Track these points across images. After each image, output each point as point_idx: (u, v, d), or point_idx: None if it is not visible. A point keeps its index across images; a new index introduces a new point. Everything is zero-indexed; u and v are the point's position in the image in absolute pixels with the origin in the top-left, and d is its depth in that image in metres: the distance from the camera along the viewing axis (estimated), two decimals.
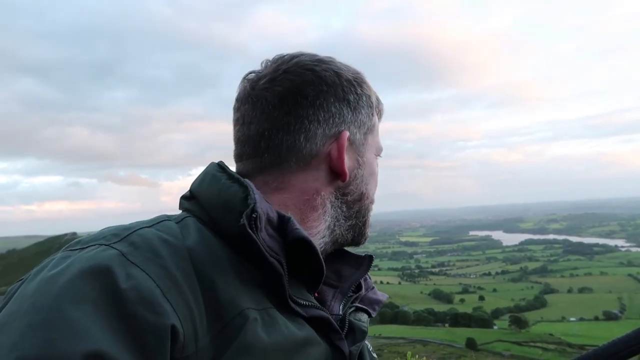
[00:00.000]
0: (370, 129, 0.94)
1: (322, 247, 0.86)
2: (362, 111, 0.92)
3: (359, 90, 0.92)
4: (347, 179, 0.89)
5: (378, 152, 0.98)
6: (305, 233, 0.79)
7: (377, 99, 0.97)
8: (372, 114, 0.95)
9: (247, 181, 0.79)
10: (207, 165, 0.88)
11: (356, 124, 0.92)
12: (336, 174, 0.87)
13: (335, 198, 0.89)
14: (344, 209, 0.90)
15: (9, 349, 0.55)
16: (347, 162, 0.89)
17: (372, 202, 0.96)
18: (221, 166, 0.85)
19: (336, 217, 0.89)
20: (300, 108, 0.86)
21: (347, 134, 0.88)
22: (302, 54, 0.90)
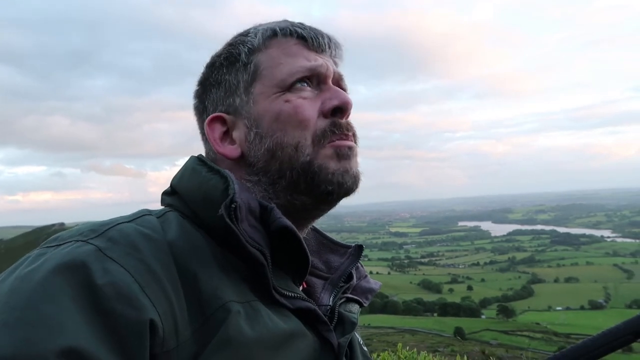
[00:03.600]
0: (252, 78, 0.86)
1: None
2: (225, 77, 0.88)
3: (217, 63, 0.90)
4: (240, 154, 0.86)
5: (283, 83, 0.84)
6: (288, 221, 0.77)
7: (256, 32, 0.88)
8: (239, 67, 0.87)
9: (227, 172, 0.78)
10: (187, 159, 0.87)
11: (228, 93, 0.88)
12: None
13: (249, 174, 0.85)
14: (263, 178, 0.84)
15: None
16: (238, 135, 0.86)
17: (295, 146, 0.82)
18: (201, 159, 0.84)
19: (264, 189, 0.84)
20: (198, 120, 0.93)
21: (209, 119, 0.88)
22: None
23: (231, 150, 0.86)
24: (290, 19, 0.91)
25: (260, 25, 0.90)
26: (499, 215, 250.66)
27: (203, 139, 0.91)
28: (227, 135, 0.87)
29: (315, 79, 0.86)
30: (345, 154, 0.84)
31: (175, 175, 0.86)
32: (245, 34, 0.89)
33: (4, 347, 0.54)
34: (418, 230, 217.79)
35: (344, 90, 0.90)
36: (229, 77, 0.87)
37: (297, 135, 0.82)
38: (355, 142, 0.87)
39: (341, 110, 0.85)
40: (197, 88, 0.93)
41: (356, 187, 0.85)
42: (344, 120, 0.86)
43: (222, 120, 0.87)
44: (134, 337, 0.59)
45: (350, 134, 0.86)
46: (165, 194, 0.87)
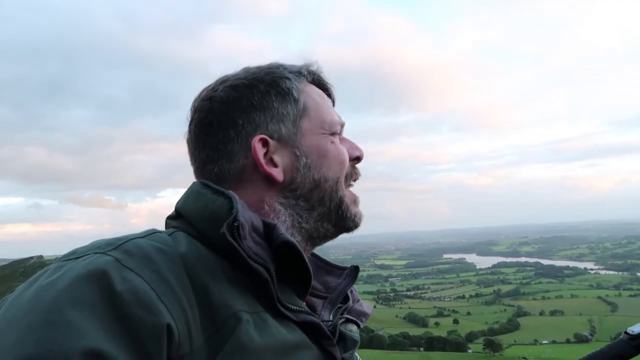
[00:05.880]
0: (301, 114, 0.93)
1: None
2: (274, 104, 0.92)
3: (261, 88, 0.92)
4: (284, 178, 0.90)
5: (329, 127, 0.95)
6: (290, 237, 0.81)
7: (299, 73, 0.96)
8: (290, 101, 0.93)
9: (231, 192, 0.82)
10: (190, 185, 0.91)
11: (274, 120, 0.92)
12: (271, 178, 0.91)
13: (285, 198, 0.90)
14: (302, 203, 0.91)
15: (8, 349, 0.57)
16: (281, 160, 0.91)
17: (335, 181, 0.93)
18: (205, 183, 0.88)
19: (297, 213, 0.90)
20: (210, 137, 0.92)
21: (257, 138, 0.90)
22: (216, 83, 0.96)
23: (277, 172, 0.90)
24: (312, 61, 1.00)
25: (265, 72, 0.95)
26: (484, 247, 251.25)
27: (216, 154, 0.91)
28: (265, 156, 0.91)
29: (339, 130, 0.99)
30: (358, 202, 0.99)
31: (180, 200, 0.90)
32: (284, 67, 0.96)
33: (29, 346, 0.57)
34: (403, 262, 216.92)
35: None
36: (278, 106, 0.92)
37: (337, 172, 0.93)
38: None
39: (360, 160, 1.00)
40: (223, 103, 0.92)
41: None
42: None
43: (264, 142, 0.91)
44: (153, 341, 0.62)
45: (359, 178, 1.00)
46: (169, 218, 0.89)
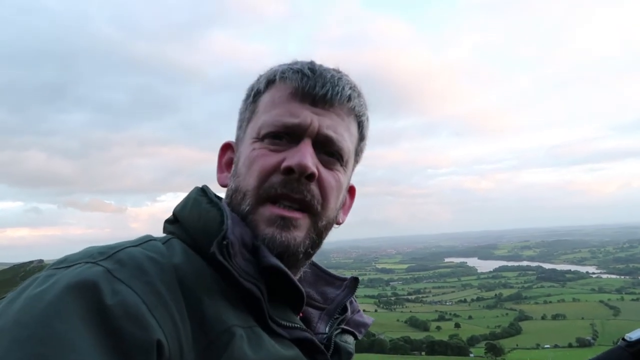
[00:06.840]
0: (249, 117, 0.91)
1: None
2: (241, 109, 0.95)
3: (247, 91, 0.94)
4: (225, 182, 0.92)
5: (258, 133, 0.88)
6: (276, 260, 0.79)
7: (262, 78, 0.92)
8: (248, 104, 0.92)
9: (224, 205, 0.82)
10: (191, 190, 0.90)
11: (239, 124, 0.95)
12: None
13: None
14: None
15: None
16: (232, 166, 0.93)
17: (243, 194, 0.86)
18: (204, 190, 0.88)
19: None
20: None
21: (224, 143, 0.95)
22: None
23: (224, 177, 0.92)
24: (300, 59, 0.91)
25: (281, 64, 0.91)
26: (485, 251, 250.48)
27: None
28: (222, 161, 0.95)
29: (293, 134, 0.86)
30: (277, 223, 0.83)
31: (178, 204, 0.89)
32: (272, 68, 0.92)
33: None
34: (405, 266, 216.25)
35: (332, 148, 0.87)
36: (242, 111, 0.94)
37: (249, 184, 0.85)
38: (311, 208, 0.85)
39: (293, 171, 0.83)
40: None
41: (288, 254, 0.83)
42: (298, 180, 0.83)
43: (227, 147, 0.96)
44: (142, 356, 0.61)
45: (297, 196, 0.84)
46: (167, 222, 0.89)
